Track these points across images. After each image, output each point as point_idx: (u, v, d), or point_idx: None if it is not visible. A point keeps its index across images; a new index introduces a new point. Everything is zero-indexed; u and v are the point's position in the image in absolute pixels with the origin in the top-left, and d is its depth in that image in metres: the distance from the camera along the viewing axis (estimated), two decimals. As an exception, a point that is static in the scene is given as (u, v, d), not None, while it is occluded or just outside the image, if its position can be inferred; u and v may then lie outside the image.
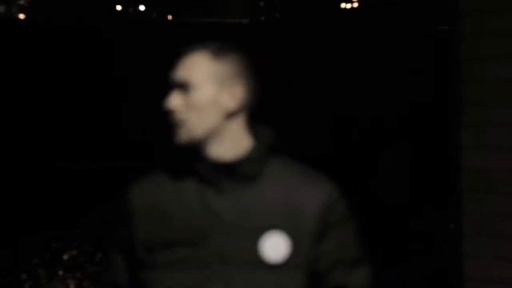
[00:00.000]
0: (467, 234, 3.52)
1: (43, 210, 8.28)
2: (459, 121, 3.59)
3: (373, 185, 7.13)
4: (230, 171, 1.89)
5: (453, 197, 3.59)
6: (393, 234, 6.06)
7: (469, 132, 3.56)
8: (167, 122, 1.91)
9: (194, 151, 1.90)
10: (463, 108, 3.59)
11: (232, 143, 1.90)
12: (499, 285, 3.43)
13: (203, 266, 1.86)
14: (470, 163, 3.55)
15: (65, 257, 6.34)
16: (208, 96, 1.88)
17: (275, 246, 1.86)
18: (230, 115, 1.90)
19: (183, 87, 1.89)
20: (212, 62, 1.90)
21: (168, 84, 1.92)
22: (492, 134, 3.50)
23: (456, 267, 3.52)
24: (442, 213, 4.51)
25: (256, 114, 1.97)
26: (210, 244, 1.86)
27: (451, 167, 3.62)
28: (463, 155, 3.57)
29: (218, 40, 1.95)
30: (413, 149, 7.35)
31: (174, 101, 1.89)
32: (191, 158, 1.91)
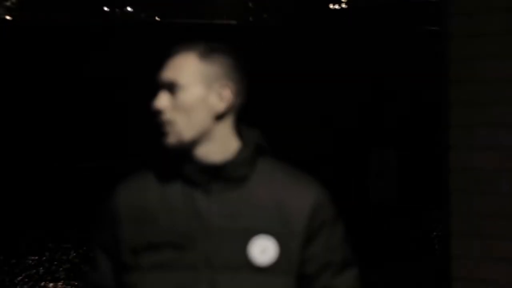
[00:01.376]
0: (456, 234, 3.52)
1: (42, 210, 8.26)
2: (448, 121, 3.59)
3: (361, 186, 7.12)
4: (218, 173, 1.87)
5: (441, 197, 3.59)
6: (381, 235, 6.06)
7: (457, 132, 3.56)
8: (155, 123, 1.88)
9: (182, 152, 1.88)
10: (451, 108, 3.59)
11: (220, 145, 1.89)
12: (488, 285, 3.43)
13: (190, 269, 1.84)
14: (458, 163, 3.55)
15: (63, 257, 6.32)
16: (196, 97, 1.86)
17: (263, 249, 1.85)
18: (219, 117, 1.88)
19: (171, 87, 1.87)
20: (200, 63, 1.88)
21: (156, 84, 1.90)
22: (481, 134, 3.50)
23: (445, 268, 3.51)
24: (431, 213, 4.51)
25: (244, 115, 1.96)
26: (196, 246, 1.84)
27: (440, 167, 3.62)
28: (451, 155, 3.57)
29: (206, 41, 1.93)
30: (401, 150, 7.35)
31: (162, 101, 1.87)
32: (178, 160, 1.89)
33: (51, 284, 5.93)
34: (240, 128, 1.95)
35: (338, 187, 1.96)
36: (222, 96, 1.88)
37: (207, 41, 1.93)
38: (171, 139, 1.87)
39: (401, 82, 8.17)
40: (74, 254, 6.32)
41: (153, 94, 1.92)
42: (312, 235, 1.89)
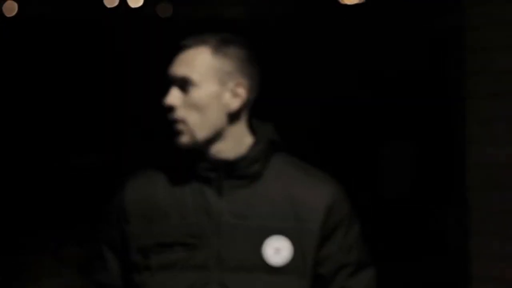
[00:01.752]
0: (474, 231, 3.47)
1: (43, 209, 8.31)
2: (465, 116, 3.55)
3: (374, 183, 7.08)
4: (231, 170, 1.81)
5: (459, 193, 3.54)
6: (398, 233, 6.03)
7: (474, 126, 3.51)
8: (166, 120, 1.81)
9: (194, 149, 1.82)
10: (468, 102, 3.54)
11: (233, 142, 1.82)
12: (507, 284, 3.38)
13: (200, 268, 1.78)
14: (476, 158, 3.50)
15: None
16: (210, 94, 1.79)
17: (277, 248, 1.79)
18: (233, 115, 1.81)
19: (183, 84, 1.80)
20: (213, 58, 1.80)
21: (167, 80, 1.83)
22: (499, 129, 3.45)
23: (463, 266, 3.47)
24: (448, 210, 4.46)
25: (256, 110, 1.88)
26: (207, 245, 1.79)
27: (457, 162, 3.57)
28: (469, 151, 3.52)
29: (218, 34, 1.85)
30: (417, 145, 7.30)
31: (173, 98, 1.80)
32: (190, 156, 1.82)
33: (54, 284, 5.92)
34: (253, 123, 1.88)
35: (348, 183, 1.90)
36: (236, 93, 1.81)
37: (220, 35, 1.85)
38: (184, 139, 1.80)
39: (417, 74, 8.13)
40: (79, 254, 6.32)
41: (161, 90, 1.84)
42: (327, 234, 1.83)
